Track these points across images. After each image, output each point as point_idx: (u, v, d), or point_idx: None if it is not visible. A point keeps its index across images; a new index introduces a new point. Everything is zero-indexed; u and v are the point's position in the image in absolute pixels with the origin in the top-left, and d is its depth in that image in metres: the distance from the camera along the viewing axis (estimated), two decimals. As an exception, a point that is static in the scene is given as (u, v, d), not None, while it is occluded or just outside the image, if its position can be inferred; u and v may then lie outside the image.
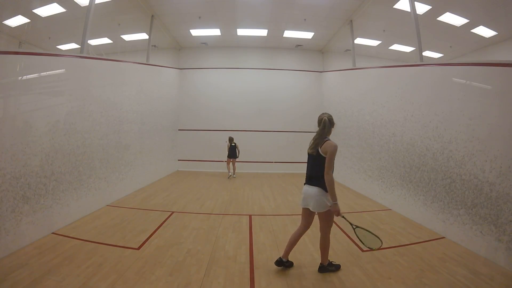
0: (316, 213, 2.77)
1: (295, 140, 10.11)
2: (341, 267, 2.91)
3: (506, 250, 2.97)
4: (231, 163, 8.92)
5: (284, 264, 2.88)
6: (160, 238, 3.69)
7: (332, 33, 8.70)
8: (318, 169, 2.68)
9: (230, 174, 8.88)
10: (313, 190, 2.71)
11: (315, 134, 2.80)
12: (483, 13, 6.38)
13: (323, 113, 2.82)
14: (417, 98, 4.73)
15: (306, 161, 2.86)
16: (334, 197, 2.60)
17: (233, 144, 8.79)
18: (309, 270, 2.88)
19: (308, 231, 4.04)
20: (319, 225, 2.77)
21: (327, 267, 2.85)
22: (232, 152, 8.76)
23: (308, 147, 2.84)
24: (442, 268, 2.93)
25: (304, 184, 2.84)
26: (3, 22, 6.67)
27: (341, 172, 7.56)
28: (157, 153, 8.16)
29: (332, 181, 2.59)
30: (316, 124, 2.80)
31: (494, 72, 3.37)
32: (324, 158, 2.63)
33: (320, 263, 2.88)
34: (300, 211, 2.90)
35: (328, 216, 2.72)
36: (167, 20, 7.95)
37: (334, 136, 2.83)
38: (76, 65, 4.60)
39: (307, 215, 2.83)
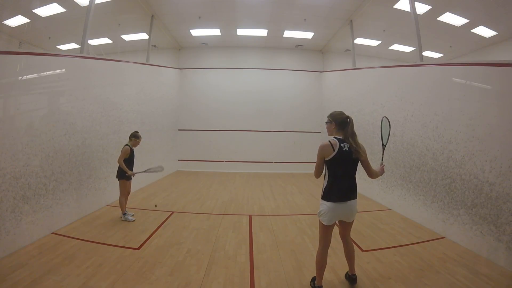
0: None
1: (295, 140, 10.12)
2: None
3: (506, 250, 2.97)
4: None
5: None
6: (160, 238, 3.69)
7: (332, 33, 8.70)
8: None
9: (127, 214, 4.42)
10: (355, 202, 2.41)
11: (351, 136, 2.32)
12: (483, 13, 6.38)
13: (341, 111, 2.40)
14: (417, 98, 4.73)
15: (341, 173, 2.30)
16: None
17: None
18: (309, 270, 2.88)
19: (309, 232, 4.06)
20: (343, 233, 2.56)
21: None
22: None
23: (343, 152, 2.27)
24: (442, 268, 2.93)
25: (343, 201, 2.30)
26: (3, 22, 6.66)
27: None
28: (157, 153, 8.13)
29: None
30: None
31: (494, 72, 3.37)
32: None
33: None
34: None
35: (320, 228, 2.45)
36: (167, 20, 7.95)
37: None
38: (76, 65, 4.60)
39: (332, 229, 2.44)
